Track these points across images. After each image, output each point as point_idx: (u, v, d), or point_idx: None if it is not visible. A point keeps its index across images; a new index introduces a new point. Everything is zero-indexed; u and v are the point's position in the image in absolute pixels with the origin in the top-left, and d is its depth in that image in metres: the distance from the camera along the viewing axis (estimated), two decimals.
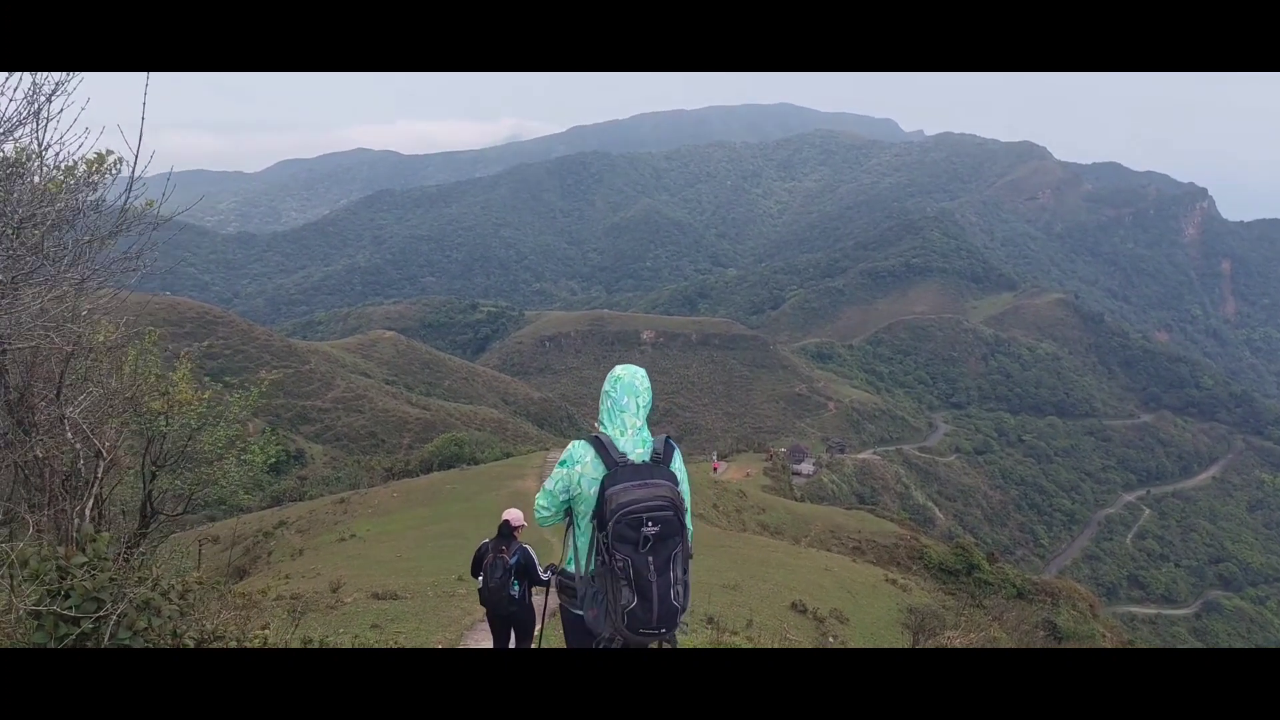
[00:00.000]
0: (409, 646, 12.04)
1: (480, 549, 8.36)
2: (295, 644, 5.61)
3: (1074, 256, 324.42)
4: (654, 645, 4.05)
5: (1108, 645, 34.27)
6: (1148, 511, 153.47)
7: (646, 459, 4.09)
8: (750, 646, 11.80)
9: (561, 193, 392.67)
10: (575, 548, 4.18)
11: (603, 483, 3.97)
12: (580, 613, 4.15)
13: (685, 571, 4.00)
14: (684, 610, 4.01)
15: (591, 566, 4.05)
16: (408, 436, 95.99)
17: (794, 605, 20.85)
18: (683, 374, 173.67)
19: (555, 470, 4.20)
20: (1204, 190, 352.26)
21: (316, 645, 5.87)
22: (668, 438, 4.29)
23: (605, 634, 3.99)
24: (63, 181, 4.36)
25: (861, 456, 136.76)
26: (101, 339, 5.44)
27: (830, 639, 19.27)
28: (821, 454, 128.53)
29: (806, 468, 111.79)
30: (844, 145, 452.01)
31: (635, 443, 4.14)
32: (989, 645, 20.56)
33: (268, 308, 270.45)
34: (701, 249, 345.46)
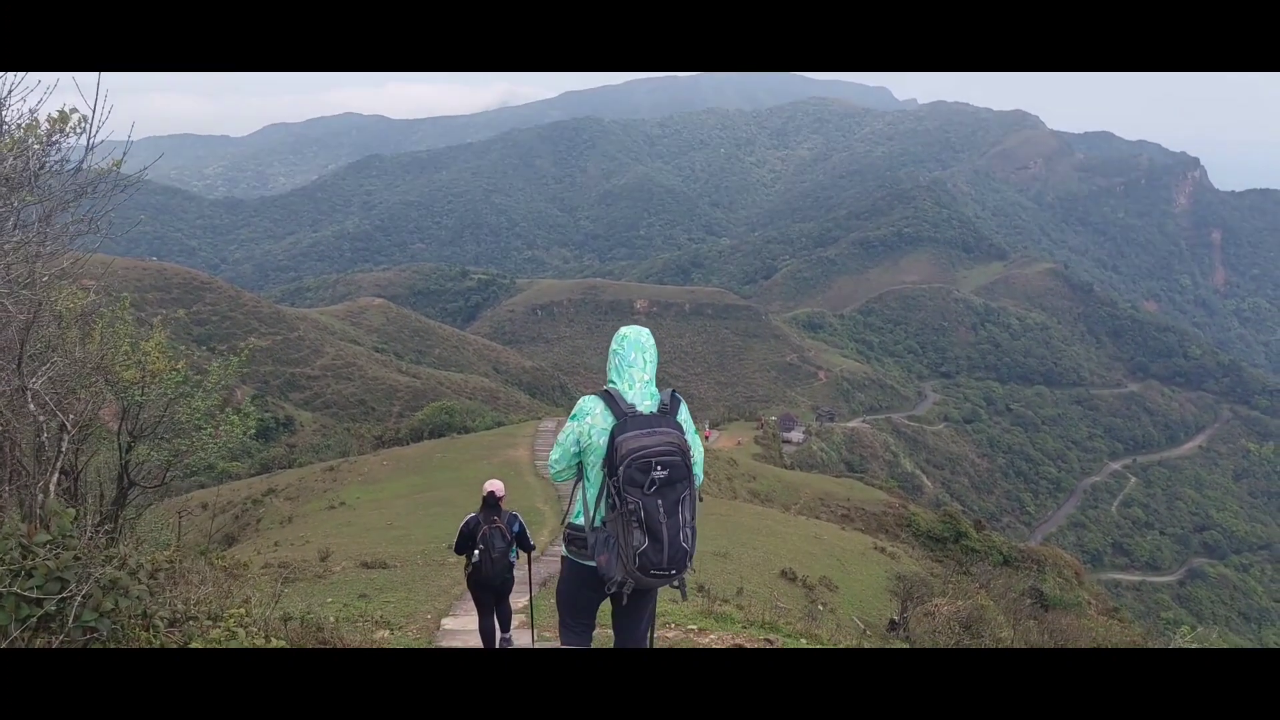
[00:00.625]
0: (399, 615, 11.99)
1: (469, 524, 8.07)
2: (276, 617, 5.52)
3: (1064, 226, 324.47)
4: (664, 585, 4.19)
5: (1093, 613, 34.62)
6: (1134, 480, 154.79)
7: (654, 410, 4.24)
8: (746, 640, 11.81)
9: (554, 159, 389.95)
10: (585, 499, 4.31)
11: (612, 432, 4.13)
12: (589, 564, 4.27)
13: (693, 515, 4.13)
14: (692, 554, 4.12)
15: (602, 513, 4.19)
16: (397, 405, 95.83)
17: (784, 573, 20.93)
18: (675, 343, 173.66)
19: (566, 424, 4.36)
20: (1196, 160, 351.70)
21: (298, 620, 5.78)
22: (674, 391, 4.41)
23: (617, 578, 4.09)
24: (20, 140, 4.18)
25: (851, 425, 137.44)
26: (68, 306, 5.28)
27: (820, 606, 19.35)
28: (811, 422, 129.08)
29: (796, 436, 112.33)
30: (837, 113, 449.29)
31: (643, 395, 4.30)
32: (976, 612, 20.69)
33: (256, 274, 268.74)
34: (695, 218, 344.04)
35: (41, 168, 4.30)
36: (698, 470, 4.26)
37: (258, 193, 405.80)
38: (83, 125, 4.31)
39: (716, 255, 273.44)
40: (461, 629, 10.24)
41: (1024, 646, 19.41)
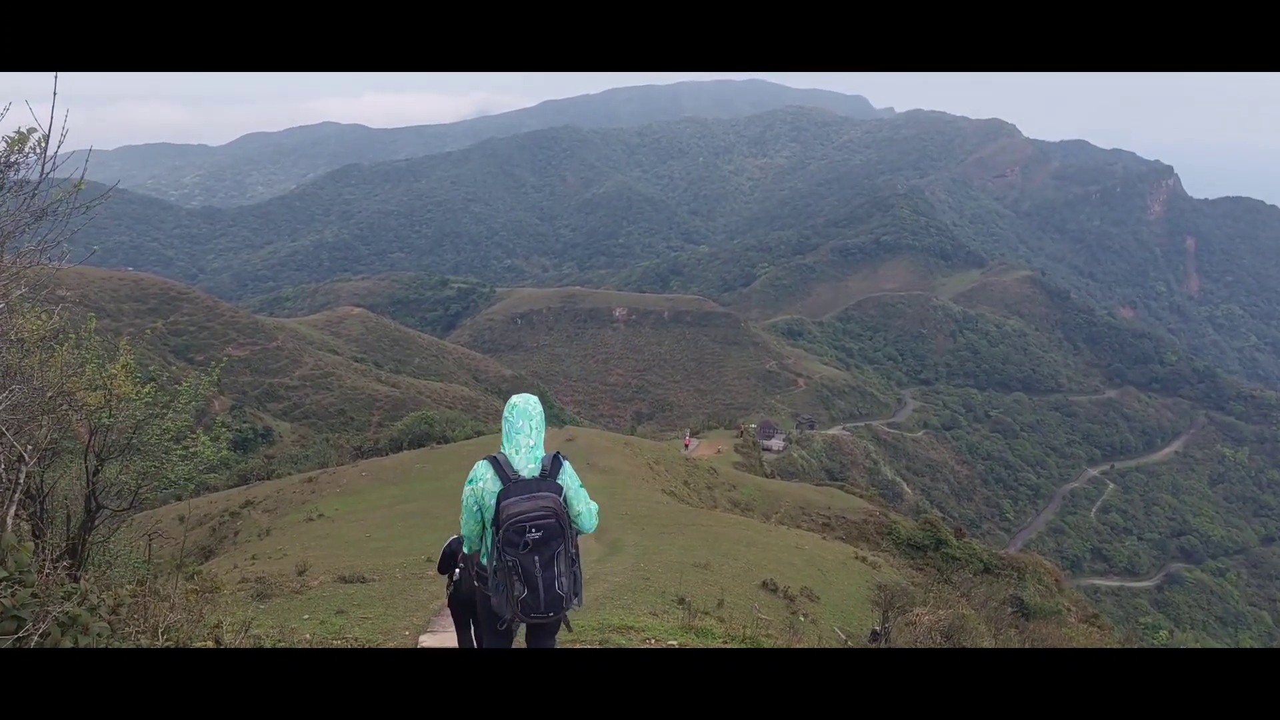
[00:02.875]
0: (376, 632, 11.86)
1: (453, 544, 7.91)
2: (247, 644, 5.41)
3: (1041, 234, 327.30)
4: (544, 623, 4.95)
5: (1073, 620, 34.78)
6: (1111, 486, 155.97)
7: (536, 474, 4.84)
8: (735, 646, 11.72)
9: (533, 168, 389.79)
10: (485, 547, 5.00)
11: (499, 496, 4.76)
12: (493, 601, 4.98)
13: (571, 565, 4.83)
14: (571, 596, 4.87)
15: (495, 562, 4.84)
16: (377, 414, 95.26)
17: (765, 584, 20.86)
18: (654, 351, 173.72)
19: (465, 490, 4.95)
20: (1170, 168, 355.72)
21: (269, 647, 5.66)
22: (557, 454, 5.00)
23: (506, 616, 4.89)
24: None
25: (831, 432, 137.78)
26: (31, 329, 5.14)
27: (801, 617, 19.31)
28: (792, 430, 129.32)
29: (777, 444, 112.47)
30: (815, 122, 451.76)
31: (527, 459, 4.89)
32: (957, 621, 20.72)
33: (233, 283, 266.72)
34: (674, 226, 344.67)
35: (1, 188, 4.19)
36: (581, 522, 4.97)
37: (235, 202, 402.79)
38: (41, 145, 4.19)
39: (695, 263, 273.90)
40: (439, 645, 10.13)
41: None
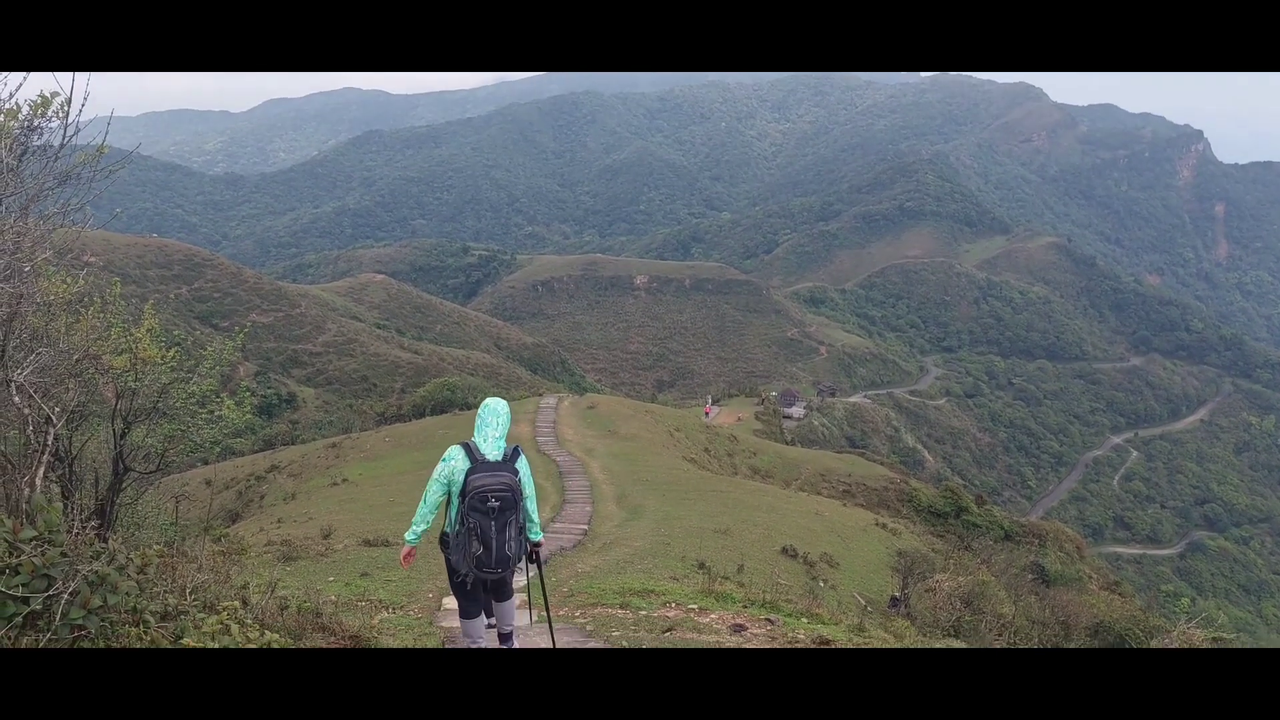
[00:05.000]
0: (400, 594, 12.00)
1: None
2: (273, 606, 5.50)
3: (1067, 199, 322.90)
4: (495, 578, 6.21)
5: (1094, 587, 34.74)
6: (1135, 454, 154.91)
7: (499, 459, 6.09)
8: (747, 619, 11.75)
9: (553, 133, 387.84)
10: (450, 517, 6.22)
11: (467, 473, 6.00)
12: (452, 558, 6.23)
13: (519, 533, 6.09)
14: (516, 558, 6.12)
15: (458, 527, 6.08)
16: (399, 381, 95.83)
17: (785, 550, 20.93)
18: (675, 319, 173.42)
19: (438, 466, 6.13)
20: (1199, 132, 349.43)
21: (294, 609, 5.75)
22: (516, 447, 6.31)
23: (463, 570, 6.12)
24: (2, 125, 4.07)
25: (852, 400, 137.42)
26: (57, 293, 5.19)
27: (821, 583, 19.37)
28: (813, 398, 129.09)
29: (797, 411, 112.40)
30: (838, 86, 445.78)
31: (493, 448, 6.15)
32: (977, 588, 20.75)
33: (256, 250, 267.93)
34: (695, 192, 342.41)
35: (25, 152, 4.21)
36: (528, 503, 6.17)
37: (258, 168, 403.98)
38: (64, 110, 4.20)
39: (717, 230, 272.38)
40: None
41: (1024, 626, 19.49)
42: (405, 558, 6.55)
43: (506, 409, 6.42)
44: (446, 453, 6.15)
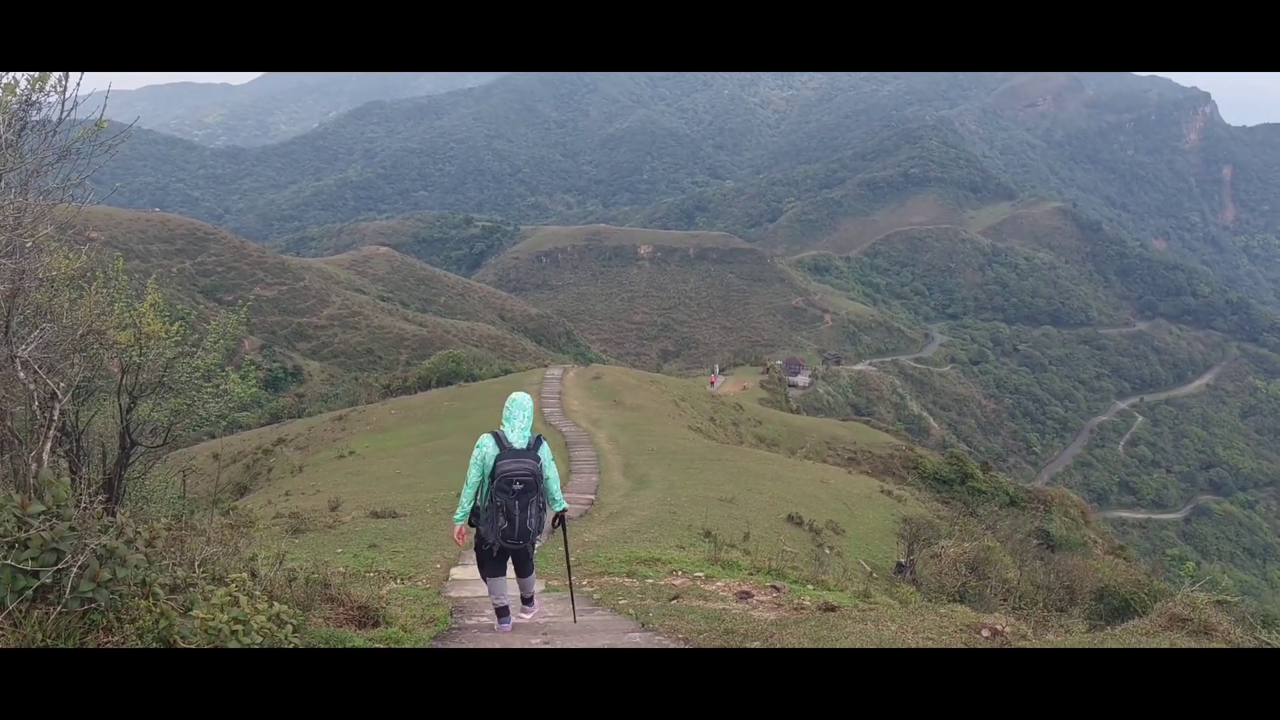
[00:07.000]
0: (408, 565, 12.06)
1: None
2: (281, 578, 5.53)
3: (1073, 164, 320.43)
4: (516, 549, 7.07)
5: (1099, 552, 34.85)
6: (1140, 419, 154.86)
7: (524, 447, 6.94)
8: (753, 587, 11.81)
9: (555, 103, 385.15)
10: (481, 494, 7.03)
11: (496, 459, 6.85)
12: (482, 529, 7.05)
13: (540, 511, 6.99)
14: (537, 531, 7.04)
15: (487, 504, 6.94)
16: (405, 353, 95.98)
17: (790, 517, 21.03)
18: (680, 289, 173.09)
19: (474, 453, 6.97)
20: (1207, 95, 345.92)
21: (302, 581, 5.78)
22: (539, 436, 7.13)
23: (490, 540, 6.95)
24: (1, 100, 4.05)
25: (857, 368, 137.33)
26: (60, 269, 5.18)
27: (826, 550, 19.46)
28: (818, 366, 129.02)
29: (802, 380, 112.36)
30: None
31: (519, 437, 6.98)
32: (982, 554, 20.82)
33: (259, 223, 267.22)
34: (698, 161, 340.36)
35: (24, 127, 4.18)
36: (549, 486, 7.05)
37: (259, 141, 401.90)
38: (62, 84, 4.17)
39: (720, 199, 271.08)
40: (471, 578, 10.29)
41: (1029, 592, 19.57)
42: (458, 536, 7.27)
43: (530, 403, 7.25)
44: (480, 439, 7.01)
